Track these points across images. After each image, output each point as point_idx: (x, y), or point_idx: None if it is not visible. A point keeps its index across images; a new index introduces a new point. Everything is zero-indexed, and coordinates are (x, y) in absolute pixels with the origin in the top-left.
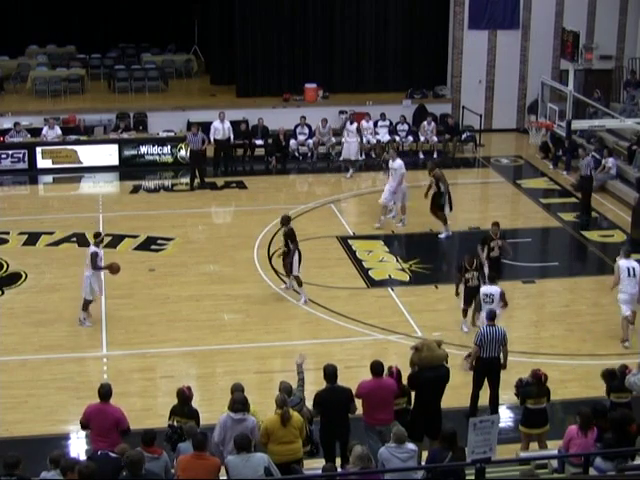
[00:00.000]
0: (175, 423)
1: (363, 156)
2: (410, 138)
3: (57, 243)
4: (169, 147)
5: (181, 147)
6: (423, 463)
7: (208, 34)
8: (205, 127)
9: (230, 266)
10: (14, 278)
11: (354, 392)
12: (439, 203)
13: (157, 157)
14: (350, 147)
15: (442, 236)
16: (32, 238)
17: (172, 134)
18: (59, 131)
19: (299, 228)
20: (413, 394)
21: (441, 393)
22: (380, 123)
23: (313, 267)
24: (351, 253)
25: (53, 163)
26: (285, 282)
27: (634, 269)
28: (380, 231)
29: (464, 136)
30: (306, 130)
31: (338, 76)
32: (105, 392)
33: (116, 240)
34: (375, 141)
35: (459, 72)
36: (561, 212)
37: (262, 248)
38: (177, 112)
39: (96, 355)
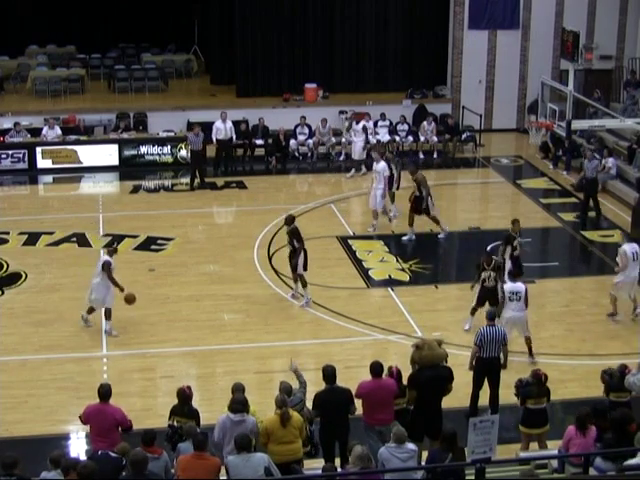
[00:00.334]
0: (175, 423)
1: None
2: (410, 138)
3: (57, 243)
4: (169, 147)
5: (181, 147)
6: (423, 463)
7: (208, 34)
8: (205, 127)
9: (230, 266)
10: (14, 278)
11: (354, 392)
12: (419, 207)
13: (157, 157)
14: (356, 146)
15: (441, 236)
16: (32, 238)
17: (172, 134)
18: (59, 131)
19: (299, 228)
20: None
21: (441, 393)
22: (380, 123)
23: (313, 267)
24: (351, 253)
25: (53, 163)
26: (292, 288)
27: (637, 253)
28: (380, 231)
29: (464, 136)
30: (306, 130)
31: (338, 76)
32: (105, 392)
33: (116, 240)
34: (375, 141)
35: (459, 72)
36: (561, 212)
37: (262, 248)
38: (177, 112)
39: (96, 355)
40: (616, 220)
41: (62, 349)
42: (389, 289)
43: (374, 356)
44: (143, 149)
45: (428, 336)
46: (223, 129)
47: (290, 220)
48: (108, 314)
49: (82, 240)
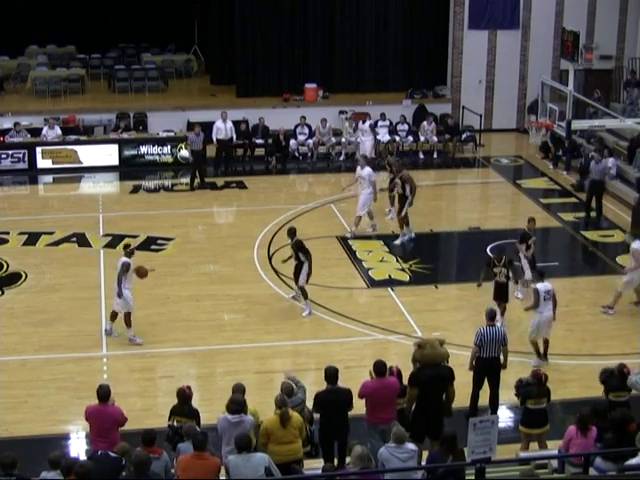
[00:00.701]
0: (175, 423)
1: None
2: (410, 138)
3: (57, 243)
4: (169, 147)
5: (181, 147)
6: (423, 463)
7: (208, 34)
8: (205, 127)
9: (230, 266)
10: (14, 278)
11: (357, 393)
12: (401, 206)
13: (157, 157)
14: (365, 145)
15: (397, 242)
16: (32, 238)
17: (172, 134)
18: (59, 131)
19: (299, 228)
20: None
21: (442, 392)
22: (380, 123)
23: (313, 267)
24: (351, 253)
25: (53, 163)
26: (293, 289)
27: None
28: (380, 231)
29: (464, 136)
30: (306, 130)
31: (338, 76)
32: (104, 393)
33: (116, 240)
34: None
35: (459, 72)
36: (561, 212)
37: (262, 248)
38: (177, 112)
39: (96, 355)
40: (616, 220)
41: (62, 349)
42: (389, 289)
43: (374, 356)
44: (143, 149)
45: (428, 336)
46: (223, 129)
47: (292, 233)
48: (127, 319)
49: (82, 240)
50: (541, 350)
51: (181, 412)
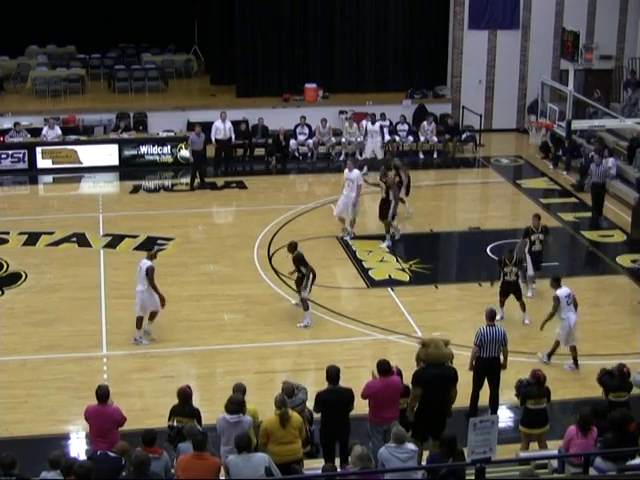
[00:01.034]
0: (175, 423)
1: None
2: (410, 138)
3: (57, 243)
4: (169, 147)
5: (181, 147)
6: (424, 463)
7: (208, 34)
8: (205, 127)
9: (230, 266)
10: (14, 278)
11: (361, 393)
12: (384, 211)
13: (157, 157)
14: (375, 146)
15: (383, 245)
16: (32, 238)
17: (172, 134)
18: (59, 131)
19: (299, 228)
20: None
21: (446, 392)
22: (381, 123)
23: (314, 267)
24: (351, 253)
25: (53, 163)
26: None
27: None
28: (380, 232)
29: (464, 136)
30: (306, 130)
31: (338, 76)
32: (103, 393)
33: (116, 240)
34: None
35: (459, 72)
36: (561, 212)
37: (262, 248)
38: (177, 112)
39: (96, 355)
40: (616, 220)
41: (62, 349)
42: (389, 289)
43: (374, 356)
44: (143, 149)
45: (428, 336)
46: (222, 129)
47: (293, 247)
48: (153, 316)
49: (82, 240)
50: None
51: (181, 412)
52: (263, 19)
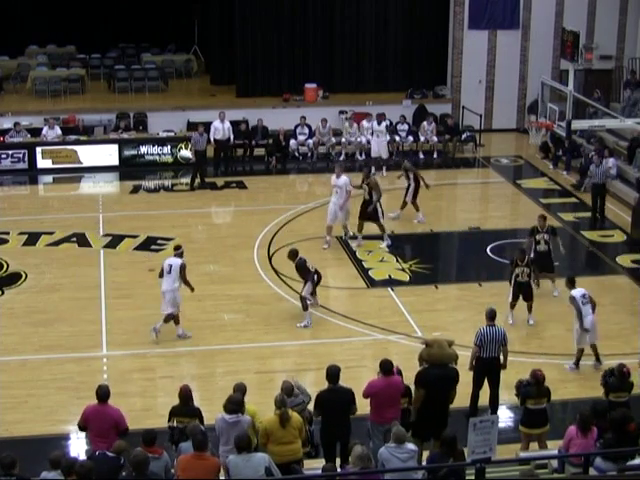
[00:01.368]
0: (175, 424)
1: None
2: (410, 138)
3: (57, 243)
4: (169, 147)
5: (181, 147)
6: (424, 463)
7: (208, 34)
8: (205, 127)
9: (230, 266)
10: (14, 278)
11: (362, 392)
12: (366, 211)
13: (157, 157)
14: (380, 146)
15: (382, 245)
16: (32, 238)
17: (172, 134)
18: (59, 131)
19: (299, 228)
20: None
21: (448, 393)
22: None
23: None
24: (351, 253)
25: (53, 163)
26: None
27: None
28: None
29: (464, 136)
30: (306, 130)
31: (338, 76)
32: (103, 393)
33: (116, 240)
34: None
35: (459, 72)
36: (561, 212)
37: (262, 248)
38: (177, 112)
39: (96, 355)
40: (616, 220)
41: (62, 349)
42: (389, 289)
43: (374, 356)
44: (143, 149)
45: (428, 336)
46: (221, 129)
47: (293, 255)
48: (168, 319)
49: (82, 240)
50: (581, 357)
51: (181, 412)
52: (263, 19)
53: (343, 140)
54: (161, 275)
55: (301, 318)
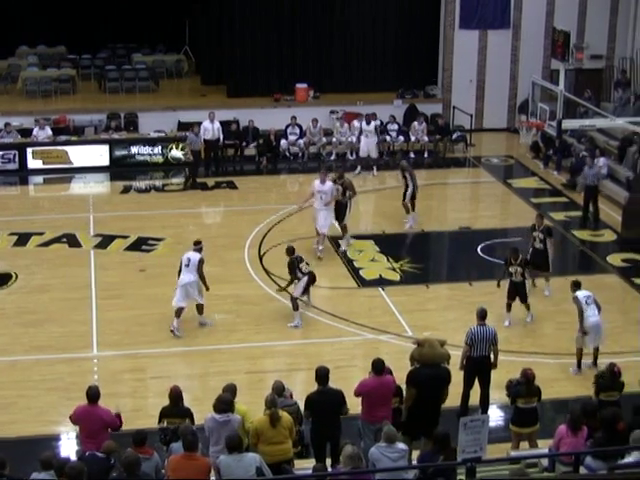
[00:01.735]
0: (166, 424)
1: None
2: (401, 138)
3: (47, 244)
4: (160, 147)
5: (172, 147)
6: (414, 462)
7: (199, 34)
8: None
9: (221, 266)
10: (4, 279)
11: (354, 390)
12: (341, 212)
13: (148, 157)
14: (370, 146)
15: (343, 247)
16: (22, 239)
17: (163, 134)
18: (50, 131)
19: (290, 228)
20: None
21: (440, 392)
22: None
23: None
24: (342, 253)
25: (44, 164)
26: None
27: None
28: (371, 231)
29: (455, 136)
30: (297, 130)
31: (329, 76)
32: (93, 394)
33: (107, 241)
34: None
35: (450, 72)
36: (552, 211)
37: (253, 248)
38: (168, 112)
39: (87, 356)
40: (607, 220)
41: (52, 350)
42: (380, 289)
43: (365, 356)
44: (134, 149)
45: (419, 336)
46: (211, 129)
47: (290, 252)
48: (201, 309)
49: (72, 241)
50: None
51: (172, 413)
52: (253, 19)
53: (334, 140)
54: (180, 270)
55: (292, 318)
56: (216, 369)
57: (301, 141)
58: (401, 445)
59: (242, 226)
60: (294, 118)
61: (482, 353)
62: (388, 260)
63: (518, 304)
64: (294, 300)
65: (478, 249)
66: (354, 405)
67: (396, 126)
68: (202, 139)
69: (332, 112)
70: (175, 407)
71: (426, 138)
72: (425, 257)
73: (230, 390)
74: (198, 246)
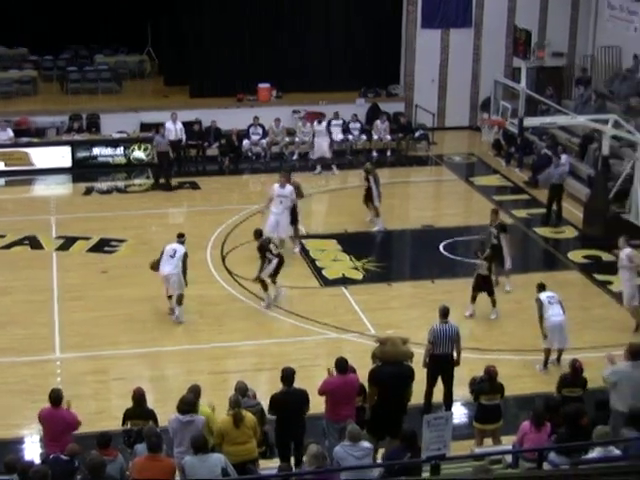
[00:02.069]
0: (129, 426)
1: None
2: (363, 137)
3: (9, 246)
4: (122, 148)
5: (134, 148)
6: (379, 460)
7: (161, 35)
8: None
9: None
10: None
11: (317, 389)
12: (294, 216)
13: (110, 159)
14: (322, 146)
15: (296, 250)
16: None
17: (125, 135)
18: (11, 133)
19: (253, 228)
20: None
21: (403, 391)
22: (334, 122)
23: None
24: (304, 252)
25: (5, 165)
26: (263, 299)
27: None
28: (334, 230)
29: (417, 134)
30: (259, 130)
31: (291, 76)
32: (55, 397)
33: (69, 242)
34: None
35: (412, 71)
36: (513, 209)
37: (215, 248)
38: (130, 113)
39: (49, 358)
40: (568, 217)
41: (14, 352)
42: (343, 288)
43: (328, 355)
44: (96, 151)
45: (381, 334)
46: (173, 130)
47: (258, 234)
48: (180, 299)
49: (34, 243)
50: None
51: (135, 415)
52: (216, 20)
53: (296, 140)
54: (158, 262)
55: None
56: (179, 370)
57: (264, 141)
58: (365, 444)
59: (205, 226)
60: (257, 118)
61: (445, 351)
62: (351, 259)
63: (484, 297)
64: (263, 281)
65: (441, 247)
66: (317, 405)
67: (359, 125)
68: (168, 140)
69: (295, 112)
70: (139, 409)
71: (389, 137)
72: (388, 255)
73: (194, 391)
74: (182, 239)
